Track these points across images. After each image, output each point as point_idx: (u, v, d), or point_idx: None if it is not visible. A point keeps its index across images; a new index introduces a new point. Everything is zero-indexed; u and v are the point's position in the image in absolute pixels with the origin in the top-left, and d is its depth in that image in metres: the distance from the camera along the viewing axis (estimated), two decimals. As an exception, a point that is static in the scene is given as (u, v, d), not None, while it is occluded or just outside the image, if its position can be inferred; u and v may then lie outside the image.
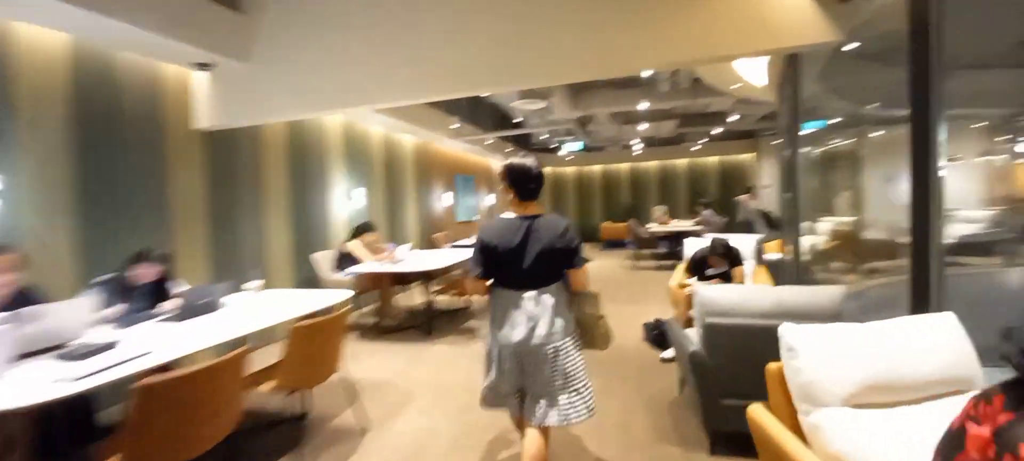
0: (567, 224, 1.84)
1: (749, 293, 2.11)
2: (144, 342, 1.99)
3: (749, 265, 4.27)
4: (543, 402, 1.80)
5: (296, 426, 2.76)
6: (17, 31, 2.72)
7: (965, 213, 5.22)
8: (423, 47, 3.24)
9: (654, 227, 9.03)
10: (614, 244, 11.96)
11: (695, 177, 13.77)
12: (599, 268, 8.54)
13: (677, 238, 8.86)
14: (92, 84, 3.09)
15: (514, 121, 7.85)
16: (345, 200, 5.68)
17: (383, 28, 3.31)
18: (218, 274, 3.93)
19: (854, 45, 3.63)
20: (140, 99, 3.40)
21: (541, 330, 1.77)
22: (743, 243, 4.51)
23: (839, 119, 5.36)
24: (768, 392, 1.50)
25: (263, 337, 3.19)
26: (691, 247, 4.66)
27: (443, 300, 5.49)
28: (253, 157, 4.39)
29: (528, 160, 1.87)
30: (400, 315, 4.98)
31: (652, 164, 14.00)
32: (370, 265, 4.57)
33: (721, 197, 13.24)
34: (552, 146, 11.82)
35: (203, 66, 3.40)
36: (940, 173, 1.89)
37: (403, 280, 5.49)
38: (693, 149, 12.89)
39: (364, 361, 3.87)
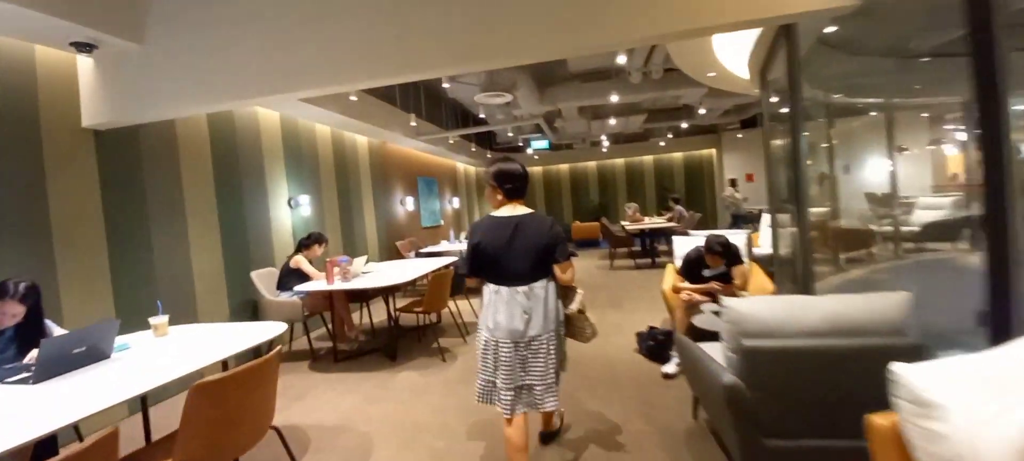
0: (552, 221, 1.96)
1: (792, 306, 1.69)
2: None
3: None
4: (538, 389, 1.90)
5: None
6: None
7: (926, 200, 5.18)
8: (357, 23, 2.65)
9: (627, 225, 8.72)
10: (586, 244, 11.64)
11: (661, 173, 13.71)
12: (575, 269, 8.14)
13: (652, 235, 8.62)
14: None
15: (479, 116, 7.31)
16: (288, 209, 4.97)
17: (308, 2, 2.72)
18: (124, 307, 3.19)
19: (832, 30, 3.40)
20: (7, 90, 2.65)
21: (537, 321, 1.87)
22: (732, 239, 4.18)
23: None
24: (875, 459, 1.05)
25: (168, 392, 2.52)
26: (681, 246, 4.29)
27: (410, 317, 4.89)
28: (167, 161, 3.65)
29: (514, 162, 2.01)
30: (359, 338, 4.34)
31: (619, 161, 13.84)
32: (319, 283, 3.92)
33: (687, 193, 13.25)
34: (518, 144, 11.37)
35: (84, 47, 2.68)
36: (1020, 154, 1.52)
37: (361, 297, 4.85)
38: (660, 145, 12.80)
39: (314, 400, 3.23)
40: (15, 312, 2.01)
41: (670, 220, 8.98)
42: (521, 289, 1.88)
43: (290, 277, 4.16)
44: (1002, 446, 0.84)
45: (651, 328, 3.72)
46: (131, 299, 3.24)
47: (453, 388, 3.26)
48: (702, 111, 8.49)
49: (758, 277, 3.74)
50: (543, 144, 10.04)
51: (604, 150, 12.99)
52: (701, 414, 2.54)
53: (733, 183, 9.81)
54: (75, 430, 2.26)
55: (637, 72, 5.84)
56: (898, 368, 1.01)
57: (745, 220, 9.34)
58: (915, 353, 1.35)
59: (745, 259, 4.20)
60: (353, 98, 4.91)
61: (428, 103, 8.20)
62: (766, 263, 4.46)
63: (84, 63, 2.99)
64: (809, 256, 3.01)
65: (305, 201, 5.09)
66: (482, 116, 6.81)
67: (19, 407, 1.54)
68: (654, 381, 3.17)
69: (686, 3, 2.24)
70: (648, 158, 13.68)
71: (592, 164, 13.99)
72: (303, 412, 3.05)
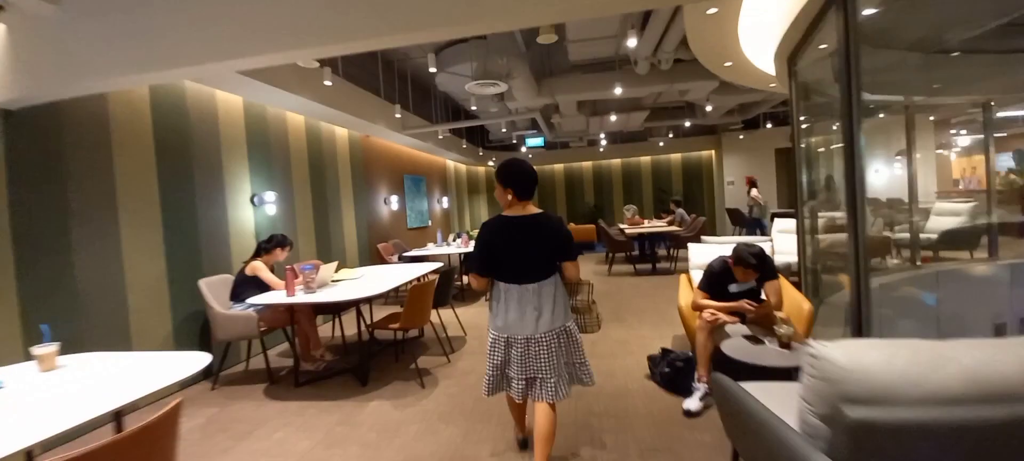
0: (560, 220, 2.01)
1: (917, 359, 1.16)
2: None
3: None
4: (552, 380, 1.93)
5: None
6: None
7: (944, 206, 4.81)
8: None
9: (625, 228, 8.23)
10: (580, 247, 11.14)
11: (659, 175, 13.27)
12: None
13: (652, 240, 8.13)
14: None
15: (471, 109, 6.74)
16: (250, 207, 4.38)
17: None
18: (34, 329, 2.60)
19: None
20: None
21: (546, 318, 1.92)
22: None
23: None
24: None
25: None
26: (699, 255, 3.77)
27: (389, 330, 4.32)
28: (95, 146, 3.06)
29: (523, 161, 1.98)
30: (324, 358, 3.76)
31: (615, 162, 13.37)
32: (279, 294, 3.34)
33: (685, 195, 12.81)
34: (511, 142, 10.83)
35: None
36: None
37: (333, 309, 4.27)
38: (659, 145, 12.34)
39: (262, 441, 2.66)
40: None
41: (670, 223, 8.51)
42: (531, 287, 1.93)
43: (246, 286, 3.57)
44: None
45: (665, 351, 3.20)
46: (45, 317, 2.64)
47: (432, 425, 2.70)
48: (709, 108, 8.02)
49: (789, 292, 3.23)
50: (538, 141, 9.52)
51: (601, 150, 12.51)
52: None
53: (754, 183, 9.31)
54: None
55: (645, 62, 5.33)
56: None
57: (761, 226, 8.89)
58: None
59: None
60: (328, 83, 4.34)
61: (416, 95, 7.63)
62: (784, 273, 3.97)
63: (-23, 23, 2.40)
64: (865, 269, 2.50)
65: (271, 198, 4.50)
66: (474, 109, 6.27)
67: None
68: (674, 419, 2.65)
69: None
70: (645, 159, 13.23)
71: (588, 164, 13.51)
72: (244, 459, 2.47)
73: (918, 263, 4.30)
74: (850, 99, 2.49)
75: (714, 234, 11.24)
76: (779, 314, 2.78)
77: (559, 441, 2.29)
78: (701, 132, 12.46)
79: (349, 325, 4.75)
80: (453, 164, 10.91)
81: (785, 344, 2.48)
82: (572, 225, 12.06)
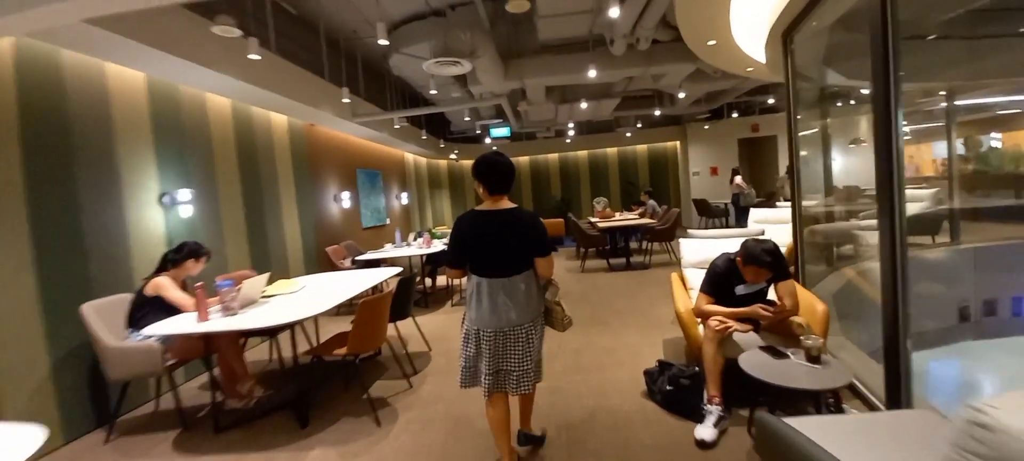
0: (534, 216, 2.02)
1: None
2: None
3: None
4: (515, 375, 1.96)
5: None
6: None
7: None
8: None
9: (597, 222, 7.84)
10: (551, 243, 10.70)
11: (626, 166, 13.05)
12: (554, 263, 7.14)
13: (625, 233, 7.79)
14: None
15: (431, 92, 6.03)
16: (159, 208, 3.58)
17: None
18: None
19: None
20: None
21: (514, 313, 1.93)
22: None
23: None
24: None
25: None
26: (691, 250, 3.34)
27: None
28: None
29: (499, 156, 2.01)
30: (253, 394, 3.07)
31: (582, 154, 13.04)
32: (188, 319, 2.63)
33: (651, 186, 12.65)
34: (475, 133, 10.21)
35: None
36: None
37: (270, 331, 3.55)
38: (626, 136, 12.08)
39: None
40: None
41: (642, 215, 8.21)
42: (503, 281, 1.93)
43: (147, 309, 2.82)
44: None
45: (664, 365, 2.74)
46: None
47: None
48: (681, 95, 7.73)
49: (800, 293, 2.85)
50: (503, 131, 8.95)
51: (568, 141, 12.11)
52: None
53: (737, 172, 9.20)
54: None
55: (622, 40, 4.87)
56: None
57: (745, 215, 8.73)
58: None
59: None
60: (254, 57, 3.60)
61: (368, 81, 6.87)
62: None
63: None
64: (902, 264, 2.13)
65: (186, 197, 3.71)
66: (433, 93, 5.61)
67: None
68: (685, 451, 2.19)
69: None
70: (612, 150, 12.97)
71: (554, 156, 13.10)
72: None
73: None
74: (887, 75, 2.08)
75: (686, 226, 11.11)
76: (797, 319, 2.38)
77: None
78: (667, 123, 12.31)
79: (285, 345, 4.04)
80: (412, 157, 10.18)
81: (814, 357, 2.07)
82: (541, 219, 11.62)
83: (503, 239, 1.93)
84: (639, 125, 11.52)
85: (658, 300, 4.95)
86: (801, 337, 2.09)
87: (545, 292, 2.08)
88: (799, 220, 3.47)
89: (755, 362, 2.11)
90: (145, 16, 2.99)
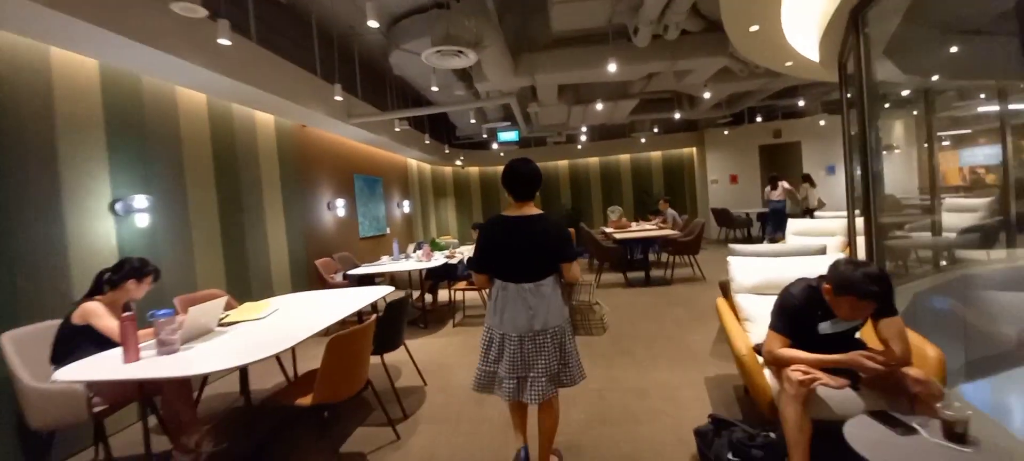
0: (559, 223, 2.04)
1: None
2: None
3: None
4: (543, 380, 1.91)
5: None
6: None
7: (955, 201, 4.15)
8: None
9: (613, 233, 7.24)
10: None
11: (639, 174, 12.45)
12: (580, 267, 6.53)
13: (644, 245, 7.19)
14: None
15: (432, 89, 5.48)
16: (111, 216, 3.06)
17: None
18: None
19: None
20: None
21: (540, 318, 1.91)
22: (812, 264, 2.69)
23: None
24: None
25: None
26: (745, 271, 2.71)
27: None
28: None
29: (524, 163, 2.01)
30: (203, 447, 2.50)
31: (593, 160, 12.47)
32: (109, 361, 2.08)
33: (666, 195, 12.02)
34: (482, 137, 9.69)
35: None
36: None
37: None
38: (641, 141, 11.50)
39: None
40: None
41: (661, 226, 7.59)
42: (528, 286, 1.92)
43: (76, 342, 2.29)
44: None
45: (718, 422, 2.13)
46: None
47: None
48: (707, 95, 7.14)
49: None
50: (511, 136, 8.41)
51: (579, 147, 11.56)
52: None
53: (779, 178, 8.42)
54: None
55: (648, 29, 4.32)
56: None
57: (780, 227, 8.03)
58: None
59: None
60: (224, 42, 3.09)
61: (367, 80, 6.39)
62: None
63: None
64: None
65: (143, 204, 3.20)
66: (434, 89, 5.09)
67: None
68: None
69: None
70: (625, 157, 12.39)
71: (564, 163, 12.55)
72: None
73: (943, 264, 3.58)
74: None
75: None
76: (912, 372, 1.78)
77: None
78: (683, 128, 11.72)
79: (261, 375, 3.49)
80: (415, 163, 9.68)
81: (958, 434, 1.46)
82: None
83: (525, 245, 1.94)
84: (656, 130, 10.94)
85: (688, 324, 4.33)
86: (938, 405, 1.49)
87: (573, 295, 2.07)
88: (874, 233, 2.85)
89: (868, 437, 1.51)
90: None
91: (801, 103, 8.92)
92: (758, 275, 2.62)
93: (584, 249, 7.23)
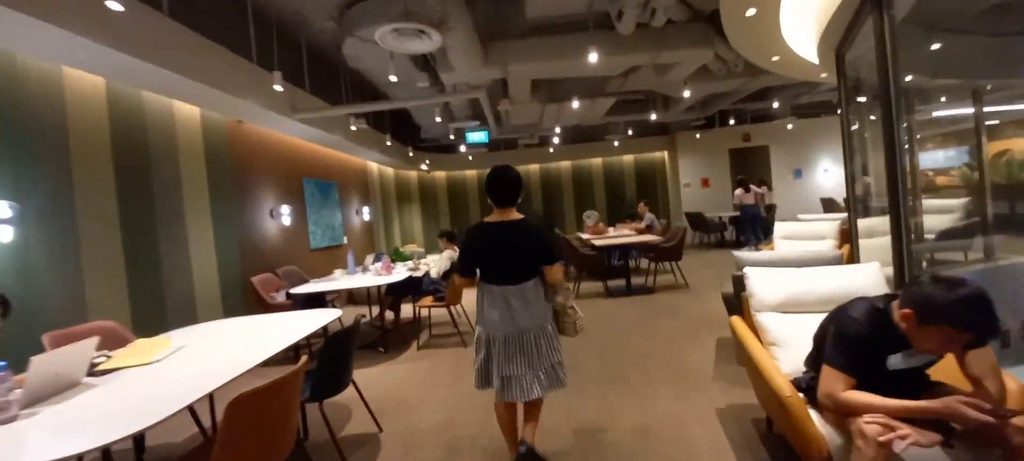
0: (539, 230, 2.07)
1: None
2: None
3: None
4: (527, 379, 1.99)
5: None
6: None
7: (935, 203, 4.09)
8: None
9: (590, 238, 6.81)
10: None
11: (612, 178, 12.19)
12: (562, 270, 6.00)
13: (623, 252, 6.79)
14: None
15: (391, 79, 4.85)
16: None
17: None
18: None
19: None
20: None
21: (524, 319, 2.00)
22: (828, 277, 2.28)
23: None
24: None
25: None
26: (769, 286, 2.23)
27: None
28: None
29: (506, 169, 2.07)
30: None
31: (565, 164, 12.12)
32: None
33: (638, 199, 11.79)
34: (449, 139, 9.09)
35: None
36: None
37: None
38: (614, 145, 11.23)
39: None
40: None
41: (640, 231, 7.24)
42: (511, 288, 2.00)
43: None
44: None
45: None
46: None
47: None
48: (686, 94, 6.85)
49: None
50: (481, 137, 7.86)
51: (551, 150, 11.17)
52: None
53: (746, 182, 8.56)
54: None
55: (633, 12, 3.89)
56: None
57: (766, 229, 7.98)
58: None
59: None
60: (114, 6, 2.41)
61: (316, 73, 5.71)
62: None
63: None
64: None
65: (4, 213, 2.45)
66: (393, 79, 4.47)
67: None
68: None
69: None
70: (597, 160, 12.11)
71: (535, 167, 12.13)
72: None
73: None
74: None
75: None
76: (1018, 421, 1.35)
77: None
78: (656, 131, 11.55)
79: (169, 425, 2.77)
80: (376, 167, 8.97)
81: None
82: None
83: (508, 249, 2.00)
84: (629, 133, 10.68)
85: (681, 339, 3.91)
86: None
87: (556, 297, 2.11)
88: (905, 237, 2.48)
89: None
90: None
91: (776, 105, 8.84)
92: (783, 290, 2.18)
93: (560, 257, 6.76)
